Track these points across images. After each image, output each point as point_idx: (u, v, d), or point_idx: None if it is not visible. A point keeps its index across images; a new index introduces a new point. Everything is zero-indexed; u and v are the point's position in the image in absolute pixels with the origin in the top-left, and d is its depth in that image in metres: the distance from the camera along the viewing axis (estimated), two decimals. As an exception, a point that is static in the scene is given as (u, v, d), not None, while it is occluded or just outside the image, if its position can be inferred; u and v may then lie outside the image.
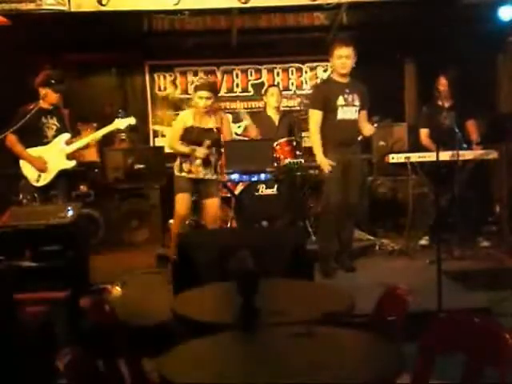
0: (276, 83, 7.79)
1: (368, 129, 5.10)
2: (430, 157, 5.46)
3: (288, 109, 7.32)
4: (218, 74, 7.98)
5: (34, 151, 5.15)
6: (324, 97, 5.06)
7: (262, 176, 5.37)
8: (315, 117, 5.05)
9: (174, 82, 7.93)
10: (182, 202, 5.07)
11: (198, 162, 5.01)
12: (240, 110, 7.14)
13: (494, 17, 6.16)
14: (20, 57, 6.41)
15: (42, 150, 5.17)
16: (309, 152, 5.51)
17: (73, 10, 5.45)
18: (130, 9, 5.59)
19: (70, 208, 4.43)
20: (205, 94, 5.03)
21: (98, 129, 5.37)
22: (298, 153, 5.87)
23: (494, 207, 6.39)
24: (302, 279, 3.24)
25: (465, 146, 5.64)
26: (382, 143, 6.89)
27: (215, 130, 5.08)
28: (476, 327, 1.97)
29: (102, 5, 5.42)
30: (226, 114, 5.49)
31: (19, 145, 5.13)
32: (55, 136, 5.23)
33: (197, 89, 5.16)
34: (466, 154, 5.53)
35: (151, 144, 7.91)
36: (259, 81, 8.00)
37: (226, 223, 5.64)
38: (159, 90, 7.97)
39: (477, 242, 5.89)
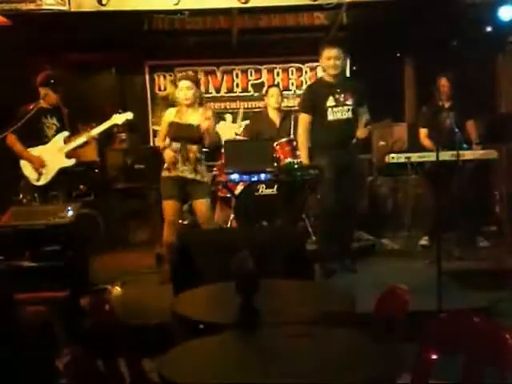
0: (276, 83, 7.79)
1: (361, 131, 5.06)
2: (430, 157, 5.45)
3: (288, 109, 7.32)
4: (218, 74, 7.98)
5: (33, 151, 5.16)
6: (313, 99, 5.06)
7: (262, 176, 5.37)
8: (303, 120, 5.07)
9: (173, 82, 7.93)
10: (167, 209, 5.03)
11: (168, 161, 4.93)
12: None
13: (494, 17, 6.16)
14: (20, 57, 6.41)
15: (42, 150, 5.17)
16: (309, 152, 5.50)
17: (73, 9, 5.45)
18: (130, 9, 5.59)
19: (69, 208, 4.43)
20: (185, 83, 4.99)
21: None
22: (297, 153, 5.87)
23: (494, 207, 6.39)
24: (301, 279, 3.24)
25: (465, 146, 5.64)
26: (382, 143, 6.90)
27: (196, 126, 4.93)
28: (476, 327, 1.97)
29: (102, 5, 5.42)
30: (211, 110, 5.38)
31: (19, 144, 5.13)
32: (55, 136, 5.23)
33: (178, 80, 5.13)
34: (466, 154, 5.53)
35: (151, 144, 7.91)
36: (259, 81, 8.00)
37: (226, 223, 5.64)
38: (159, 89, 7.97)
39: (477, 241, 5.89)
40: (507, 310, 3.79)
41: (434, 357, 2.02)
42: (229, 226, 5.57)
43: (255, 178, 5.38)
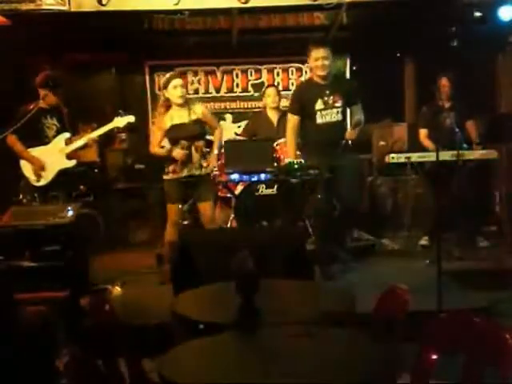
0: (276, 83, 7.79)
1: (350, 133, 5.00)
2: (430, 157, 5.45)
3: (287, 109, 7.30)
4: (218, 74, 7.97)
5: (34, 151, 5.16)
6: (301, 101, 5.05)
7: (262, 176, 5.37)
8: (291, 122, 5.08)
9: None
10: (172, 211, 5.08)
11: (179, 161, 4.99)
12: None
13: (494, 17, 6.16)
14: (20, 57, 6.41)
15: (42, 150, 5.17)
16: (300, 152, 5.49)
17: (73, 9, 5.45)
18: (130, 9, 5.59)
19: (69, 208, 4.43)
20: (178, 81, 5.06)
21: (97, 128, 5.37)
22: (297, 153, 5.87)
23: (494, 207, 6.39)
24: (301, 279, 3.24)
25: (465, 146, 5.64)
26: (382, 143, 6.89)
27: (191, 122, 5.03)
28: (476, 327, 1.97)
29: (102, 5, 5.41)
30: (200, 105, 5.41)
31: (19, 144, 5.13)
32: (55, 136, 5.23)
33: (168, 80, 5.11)
34: (466, 154, 5.53)
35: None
36: (259, 81, 7.99)
37: (226, 223, 5.64)
38: (159, 89, 7.96)
39: (477, 241, 5.89)
40: (507, 310, 3.79)
41: (434, 357, 2.02)
42: (229, 226, 5.56)
43: (255, 178, 5.38)
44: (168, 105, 5.10)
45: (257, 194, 5.48)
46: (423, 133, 5.99)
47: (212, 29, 7.35)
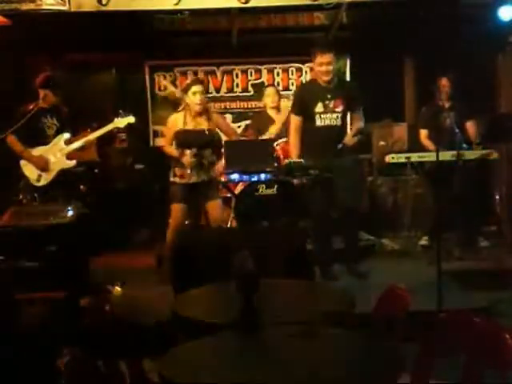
0: (276, 83, 7.79)
1: (348, 139, 4.99)
2: (430, 157, 5.45)
3: (287, 108, 7.30)
4: (218, 74, 7.97)
5: (34, 151, 5.16)
6: (302, 102, 5.04)
7: (262, 176, 5.37)
8: (294, 122, 5.08)
9: (173, 82, 7.92)
10: (176, 213, 5.09)
11: (188, 167, 5.00)
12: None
13: (494, 17, 6.16)
14: (20, 57, 6.41)
15: (42, 150, 5.17)
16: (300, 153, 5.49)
17: (73, 9, 5.45)
18: (130, 9, 5.59)
19: (69, 208, 4.44)
20: (199, 88, 5.06)
21: (97, 128, 5.37)
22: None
23: (494, 207, 6.39)
24: (302, 279, 3.24)
25: (465, 146, 5.64)
26: (382, 143, 6.89)
27: (207, 131, 5.05)
28: (476, 327, 1.97)
29: (102, 5, 5.41)
30: (216, 113, 5.45)
31: (20, 144, 5.13)
32: (55, 136, 5.23)
33: (189, 86, 5.14)
34: (466, 154, 5.53)
35: (151, 144, 7.91)
36: (259, 81, 7.99)
37: (226, 223, 5.64)
38: (159, 89, 7.96)
39: (477, 241, 5.89)
40: (507, 310, 3.79)
41: (434, 357, 2.02)
42: (229, 225, 5.56)
43: (255, 178, 5.38)
44: (188, 109, 5.10)
45: (257, 194, 5.47)
46: (423, 133, 5.99)
47: (212, 29, 7.35)
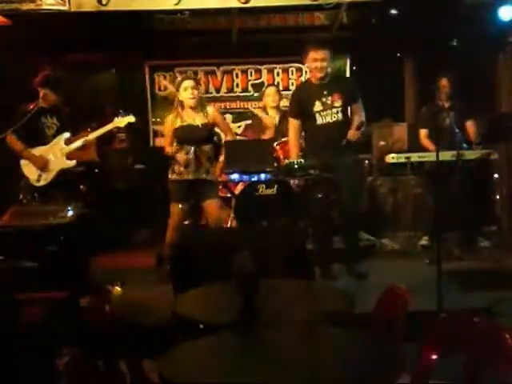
0: (276, 83, 7.79)
1: (352, 134, 4.93)
2: (430, 157, 5.45)
3: (287, 108, 7.30)
4: (218, 74, 7.97)
5: (34, 151, 5.16)
6: (299, 104, 5.03)
7: (262, 176, 5.37)
8: (292, 125, 5.09)
9: (174, 82, 7.92)
10: (175, 213, 5.08)
11: (183, 164, 4.99)
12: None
13: (494, 17, 6.16)
14: (20, 57, 6.41)
15: (42, 150, 5.17)
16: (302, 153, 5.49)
17: (73, 9, 5.45)
18: (130, 9, 5.58)
19: (69, 208, 4.44)
20: (190, 82, 5.06)
21: (97, 128, 5.37)
22: (300, 154, 5.86)
23: (494, 207, 6.39)
24: (301, 279, 3.24)
25: (465, 146, 5.64)
26: (382, 143, 6.89)
27: (202, 126, 5.02)
28: (476, 327, 1.97)
29: (102, 5, 5.41)
30: (212, 108, 5.44)
31: (20, 144, 5.13)
32: (55, 135, 5.23)
33: (180, 82, 5.13)
34: (466, 154, 5.53)
35: (151, 144, 7.91)
36: (259, 81, 7.99)
37: (226, 223, 5.64)
38: (159, 89, 7.97)
39: (477, 241, 5.89)
40: (507, 310, 3.79)
41: (434, 357, 2.02)
42: (229, 225, 5.56)
43: (255, 178, 5.38)
44: (182, 106, 5.09)
45: (257, 194, 5.47)
46: (423, 133, 5.99)
47: (212, 29, 7.35)
